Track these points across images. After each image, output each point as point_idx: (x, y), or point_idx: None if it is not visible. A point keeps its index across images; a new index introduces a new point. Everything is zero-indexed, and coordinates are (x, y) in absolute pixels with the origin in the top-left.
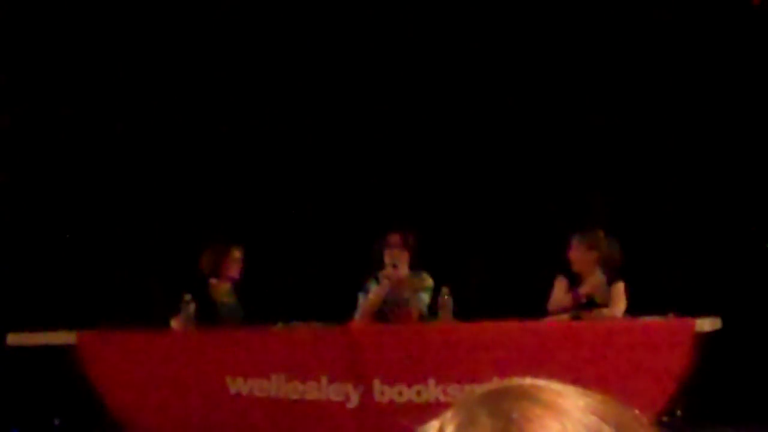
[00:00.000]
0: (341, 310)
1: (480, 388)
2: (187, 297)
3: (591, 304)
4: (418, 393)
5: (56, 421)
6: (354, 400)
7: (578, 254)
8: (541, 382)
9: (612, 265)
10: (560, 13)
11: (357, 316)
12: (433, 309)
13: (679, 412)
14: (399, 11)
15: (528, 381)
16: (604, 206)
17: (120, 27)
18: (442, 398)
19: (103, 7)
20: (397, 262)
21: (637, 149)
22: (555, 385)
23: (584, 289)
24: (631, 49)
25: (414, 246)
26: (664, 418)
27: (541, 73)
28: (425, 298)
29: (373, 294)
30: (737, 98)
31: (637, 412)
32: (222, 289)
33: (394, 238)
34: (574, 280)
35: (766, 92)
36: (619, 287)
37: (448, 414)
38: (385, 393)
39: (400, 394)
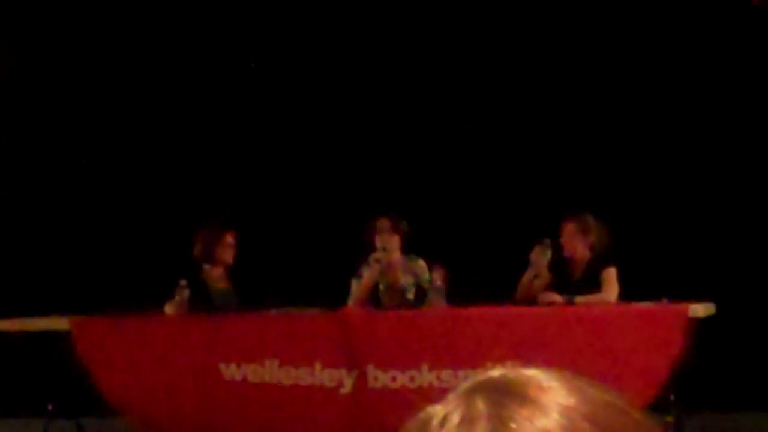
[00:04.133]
0: (335, 296)
1: (475, 378)
2: (181, 282)
3: (579, 288)
4: (412, 379)
5: (50, 407)
6: (347, 386)
7: (572, 240)
8: (530, 372)
9: (602, 251)
10: (557, 5)
11: (350, 301)
12: (425, 294)
13: (672, 398)
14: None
15: (515, 372)
16: (594, 190)
17: (111, 18)
18: (435, 384)
19: (97, 2)
20: (387, 246)
21: (630, 137)
22: (544, 378)
23: (575, 274)
24: (628, 44)
25: (405, 230)
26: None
27: (531, 59)
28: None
29: (364, 278)
30: (736, 96)
31: (638, 414)
32: (215, 275)
33: (383, 223)
34: (564, 266)
35: (765, 91)
36: (611, 272)
37: (450, 405)
38: (378, 378)
39: (394, 379)
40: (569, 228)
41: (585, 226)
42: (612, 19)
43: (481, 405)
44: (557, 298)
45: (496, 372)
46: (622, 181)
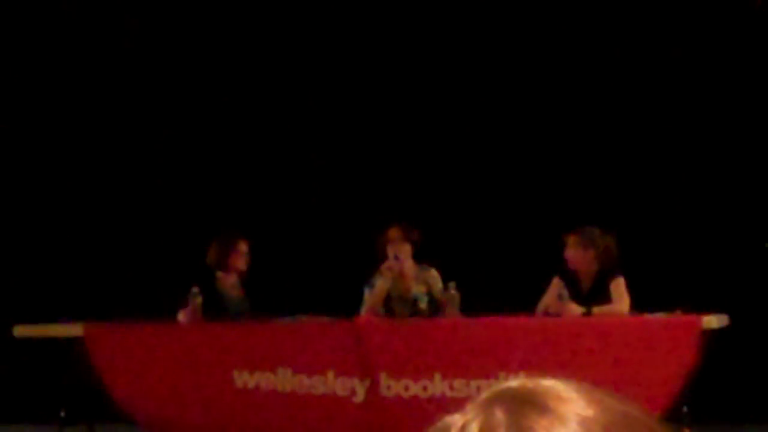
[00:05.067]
0: (347, 305)
1: (493, 389)
2: (195, 290)
3: (589, 300)
4: (425, 388)
5: (63, 413)
6: (360, 395)
7: (574, 252)
8: (549, 383)
9: (609, 262)
10: (560, 11)
11: (363, 310)
12: (440, 304)
13: (685, 409)
14: (404, 6)
15: (534, 382)
16: (607, 201)
17: (122, 21)
18: (448, 393)
19: (105, 5)
20: (398, 255)
21: (644, 148)
22: (563, 389)
23: (584, 287)
24: (630, 47)
25: (417, 239)
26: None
27: (540, 73)
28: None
29: (377, 287)
30: (738, 98)
31: (656, 425)
32: (229, 283)
33: (395, 232)
34: (572, 279)
35: (766, 92)
36: (620, 282)
37: (468, 414)
38: (391, 387)
39: (407, 388)
40: (572, 240)
41: (588, 239)
42: (613, 24)
43: (500, 414)
44: (576, 310)
45: (515, 382)
46: (636, 193)
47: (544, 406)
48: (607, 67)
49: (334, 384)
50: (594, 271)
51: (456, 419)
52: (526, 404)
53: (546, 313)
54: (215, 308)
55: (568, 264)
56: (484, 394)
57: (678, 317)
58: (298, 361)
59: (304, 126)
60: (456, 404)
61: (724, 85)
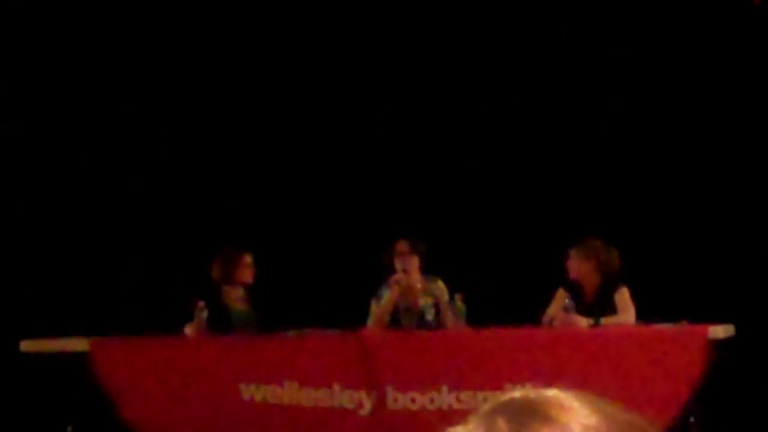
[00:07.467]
0: (354, 317)
1: (496, 400)
2: (201, 304)
3: (593, 311)
4: (431, 400)
5: (69, 429)
6: (367, 407)
7: (575, 264)
8: (551, 393)
9: (611, 273)
10: (558, 20)
11: (370, 322)
12: (441, 312)
13: (692, 419)
14: (411, 19)
15: (536, 393)
16: (614, 211)
17: (133, 32)
18: (455, 405)
19: (110, 8)
20: (406, 268)
21: (647, 159)
22: (565, 398)
23: (588, 298)
24: (630, 50)
25: (424, 252)
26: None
27: (544, 87)
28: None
29: (384, 300)
30: (739, 99)
31: (653, 429)
32: (234, 296)
33: (403, 245)
34: (576, 290)
35: (766, 92)
36: (624, 293)
37: (471, 425)
38: (398, 400)
39: (413, 401)
40: (573, 252)
41: (588, 251)
42: (610, 21)
43: (502, 425)
44: (583, 322)
45: (517, 393)
46: (641, 203)
47: (546, 416)
48: (606, 74)
49: (340, 397)
50: (596, 283)
51: (459, 431)
52: (528, 414)
53: (551, 325)
54: (221, 322)
55: (570, 275)
56: (487, 405)
57: (684, 327)
58: (305, 374)
59: (310, 138)
60: (463, 416)
61: (723, 90)
